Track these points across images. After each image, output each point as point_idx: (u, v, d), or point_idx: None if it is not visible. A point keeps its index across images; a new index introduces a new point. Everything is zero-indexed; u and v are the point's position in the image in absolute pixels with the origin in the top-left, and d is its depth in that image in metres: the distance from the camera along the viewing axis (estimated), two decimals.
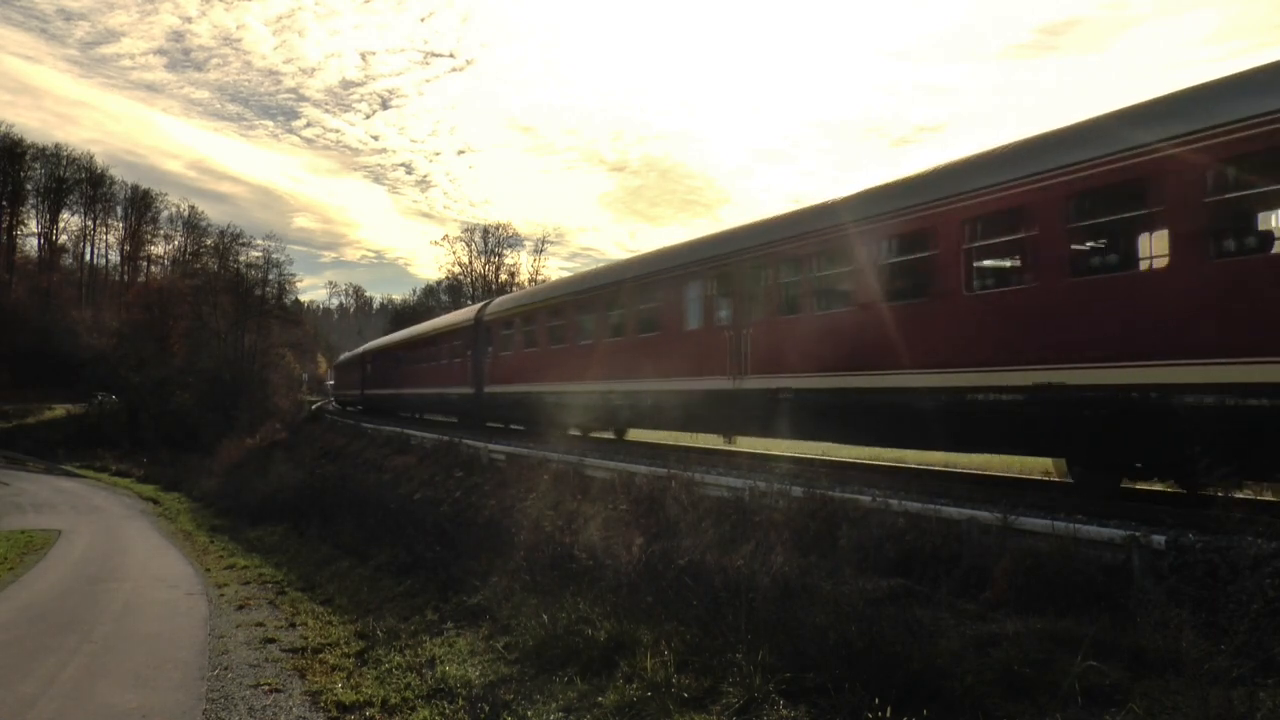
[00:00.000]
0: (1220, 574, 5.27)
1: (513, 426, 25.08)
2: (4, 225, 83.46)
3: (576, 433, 20.65)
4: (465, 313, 31.05)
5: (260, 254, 76.98)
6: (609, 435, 20.88)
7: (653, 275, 16.83)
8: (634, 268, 18.11)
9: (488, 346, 25.65)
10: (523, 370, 22.56)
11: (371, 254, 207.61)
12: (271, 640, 9.84)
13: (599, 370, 18.16)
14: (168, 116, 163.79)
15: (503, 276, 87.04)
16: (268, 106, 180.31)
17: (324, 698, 7.51)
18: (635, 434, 20.81)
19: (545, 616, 7.67)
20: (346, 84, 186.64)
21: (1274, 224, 8.32)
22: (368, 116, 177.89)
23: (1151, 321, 8.03)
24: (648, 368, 16.46)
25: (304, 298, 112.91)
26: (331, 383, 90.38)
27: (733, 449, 17.04)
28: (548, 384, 20.84)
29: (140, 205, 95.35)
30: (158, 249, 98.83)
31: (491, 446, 18.20)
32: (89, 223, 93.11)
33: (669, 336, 16.03)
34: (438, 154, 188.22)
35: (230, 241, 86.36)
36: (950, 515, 7.50)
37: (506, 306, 25.51)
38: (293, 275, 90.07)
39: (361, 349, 54.73)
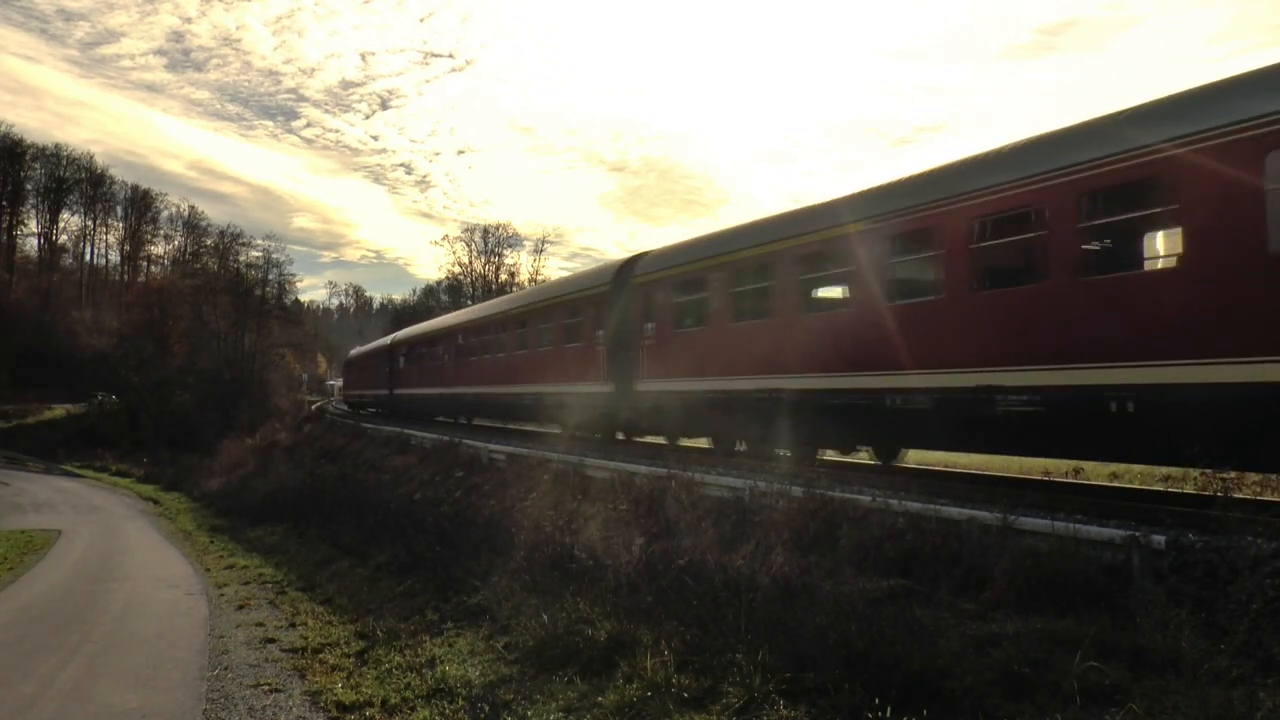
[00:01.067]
0: (1220, 574, 5.27)
1: (681, 441, 17.13)
2: (4, 225, 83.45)
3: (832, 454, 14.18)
4: (593, 275, 20.71)
5: (260, 254, 77.37)
6: (865, 457, 14.24)
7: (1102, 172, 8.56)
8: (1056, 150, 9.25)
9: (644, 322, 16.85)
10: (731, 355, 14.18)
11: (371, 254, 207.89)
12: (271, 640, 9.84)
13: (938, 347, 10.29)
14: (168, 117, 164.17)
15: (503, 276, 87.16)
16: (268, 107, 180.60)
17: (324, 698, 7.51)
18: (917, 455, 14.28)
19: (545, 616, 7.67)
20: (346, 84, 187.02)
21: None
22: (367, 117, 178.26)
23: None
24: (1090, 340, 8.64)
25: (304, 298, 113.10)
26: (333, 382, 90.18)
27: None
28: (799, 375, 12.50)
29: (140, 205, 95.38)
30: (158, 249, 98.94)
31: (491, 446, 18.21)
32: (89, 223, 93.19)
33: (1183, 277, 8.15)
34: (437, 154, 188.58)
35: (230, 241, 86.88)
36: (950, 515, 7.50)
37: (691, 258, 15.98)
38: (293, 275, 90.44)
39: (389, 338, 43.90)
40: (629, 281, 17.79)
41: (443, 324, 34.44)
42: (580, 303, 19.91)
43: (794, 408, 12.64)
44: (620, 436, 19.13)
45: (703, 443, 16.22)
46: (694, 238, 16.58)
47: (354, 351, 58.95)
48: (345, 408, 54.71)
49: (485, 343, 26.80)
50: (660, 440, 17.64)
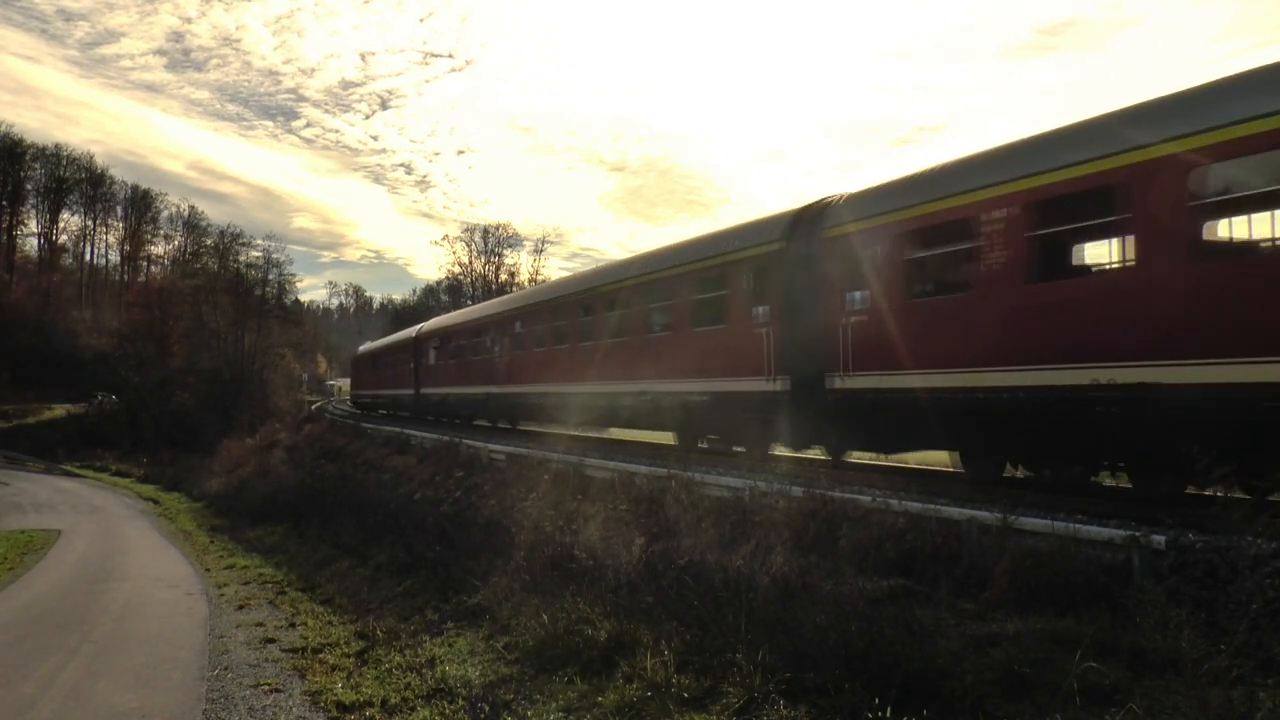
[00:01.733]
0: (1220, 574, 5.28)
1: (890, 457, 13.76)
2: (4, 225, 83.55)
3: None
4: (746, 231, 14.77)
5: (260, 254, 77.71)
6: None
7: None
8: None
9: (847, 291, 11.98)
10: (1040, 333, 9.20)
11: (371, 254, 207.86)
12: (271, 640, 9.84)
13: None
14: (168, 116, 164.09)
15: (503, 276, 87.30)
16: (267, 107, 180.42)
17: (324, 698, 7.51)
18: None
19: (545, 616, 7.67)
20: (346, 84, 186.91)
21: None
22: (367, 117, 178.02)
23: None
24: None
25: (304, 298, 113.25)
26: (333, 382, 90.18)
27: (732, 449, 16.78)
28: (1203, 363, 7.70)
29: (140, 205, 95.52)
30: (158, 249, 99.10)
31: (491, 446, 18.20)
32: (89, 223, 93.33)
33: None
34: (437, 154, 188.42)
35: (230, 241, 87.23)
36: (950, 515, 7.50)
37: (947, 191, 10.53)
38: (293, 275, 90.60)
39: (414, 330, 38.09)
40: (817, 235, 12.62)
41: (492, 310, 28.41)
42: (726, 270, 14.55)
43: (1173, 412, 7.93)
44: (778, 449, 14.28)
45: (941, 460, 12.50)
46: (944, 162, 11.04)
47: (365, 347, 53.13)
48: (349, 409, 52.29)
49: (558, 330, 21.25)
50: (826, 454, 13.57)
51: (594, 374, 18.62)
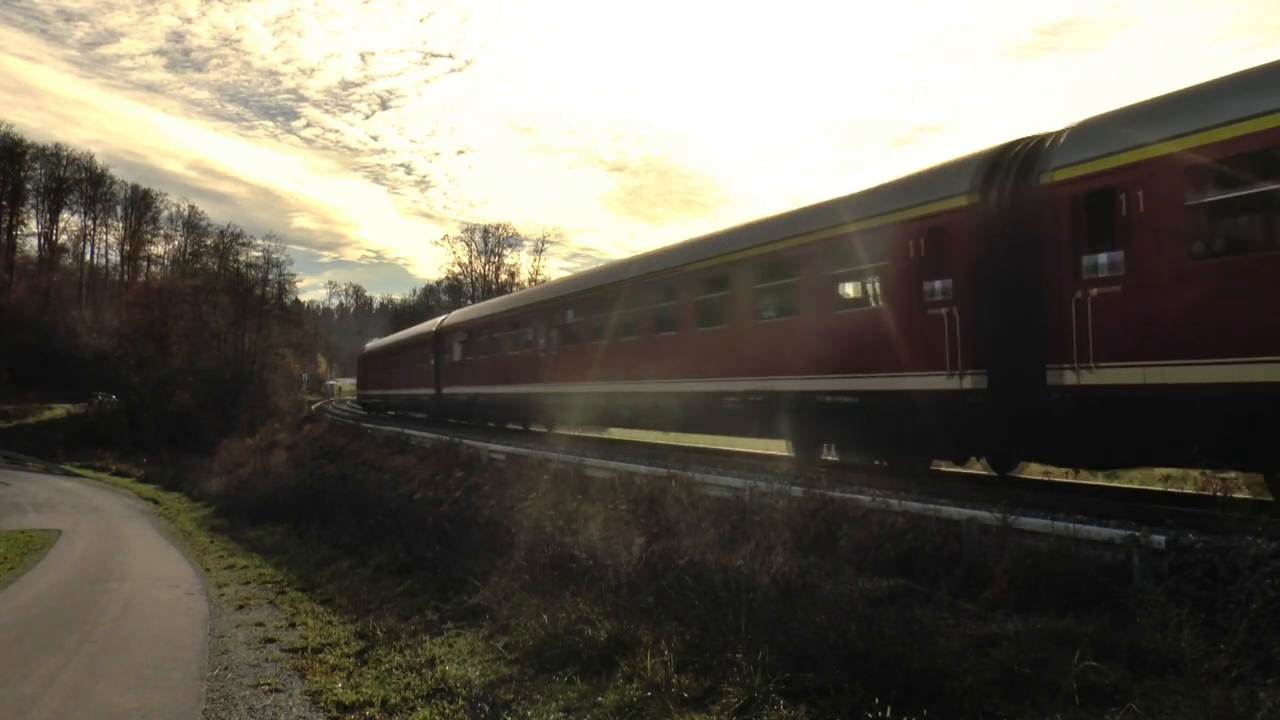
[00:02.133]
0: (1220, 574, 5.28)
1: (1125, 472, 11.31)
2: (4, 225, 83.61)
3: None
4: (911, 185, 11.39)
5: (260, 254, 77.83)
6: None
7: None
8: None
9: (1081, 255, 8.85)
10: None
11: (371, 254, 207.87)
12: (271, 640, 9.84)
13: None
14: (168, 116, 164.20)
15: (503, 276, 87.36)
16: (267, 107, 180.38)
17: (324, 697, 7.51)
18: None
19: (545, 616, 7.67)
20: (346, 84, 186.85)
21: None
22: (367, 117, 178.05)
23: None
24: None
25: (304, 298, 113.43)
26: (333, 382, 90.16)
27: (732, 449, 16.81)
28: None
29: (140, 205, 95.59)
30: (158, 249, 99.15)
31: (491, 446, 18.21)
32: (89, 223, 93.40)
33: None
34: (437, 154, 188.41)
35: (230, 241, 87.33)
36: (950, 515, 7.51)
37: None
38: (293, 275, 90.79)
39: (434, 323, 34.31)
40: (1030, 182, 9.58)
41: (537, 298, 24.89)
42: (884, 236, 11.29)
43: None
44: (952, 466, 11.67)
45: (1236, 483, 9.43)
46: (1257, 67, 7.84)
47: (374, 343, 49.62)
48: (350, 409, 51.33)
49: (627, 319, 18.01)
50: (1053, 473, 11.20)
51: (680, 369, 15.56)
